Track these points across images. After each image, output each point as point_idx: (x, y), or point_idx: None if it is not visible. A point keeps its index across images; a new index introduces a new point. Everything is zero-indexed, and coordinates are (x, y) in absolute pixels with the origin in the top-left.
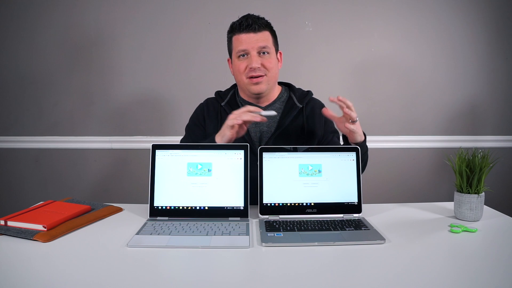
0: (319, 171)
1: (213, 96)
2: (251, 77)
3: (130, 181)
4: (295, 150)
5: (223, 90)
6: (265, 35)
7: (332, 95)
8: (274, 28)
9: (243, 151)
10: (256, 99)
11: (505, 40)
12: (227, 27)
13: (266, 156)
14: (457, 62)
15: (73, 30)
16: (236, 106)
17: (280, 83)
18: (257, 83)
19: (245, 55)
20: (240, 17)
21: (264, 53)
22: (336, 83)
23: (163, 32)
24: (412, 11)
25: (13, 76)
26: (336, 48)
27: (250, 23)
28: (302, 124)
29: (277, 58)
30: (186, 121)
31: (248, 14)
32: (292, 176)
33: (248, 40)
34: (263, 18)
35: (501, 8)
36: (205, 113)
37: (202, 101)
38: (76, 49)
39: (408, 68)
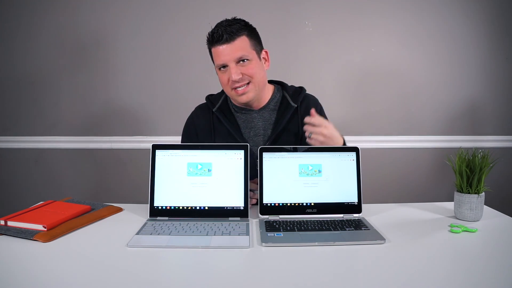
0: (319, 171)
1: (204, 101)
2: (235, 88)
3: (130, 181)
4: (295, 150)
5: (220, 90)
6: (241, 42)
7: (331, 95)
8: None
9: (243, 151)
10: (246, 105)
11: (505, 40)
12: None
13: (266, 156)
14: (457, 62)
15: (72, 30)
16: (228, 111)
17: (271, 82)
18: (243, 94)
19: (225, 67)
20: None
21: (244, 60)
22: (336, 83)
23: (163, 32)
24: (412, 11)
25: (12, 76)
26: (336, 48)
27: (221, 34)
28: (298, 124)
29: (264, 58)
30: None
31: (221, 22)
32: (292, 176)
33: (224, 53)
34: (236, 22)
35: (501, 8)
36: (196, 126)
37: (192, 111)
38: (76, 49)
39: (408, 68)
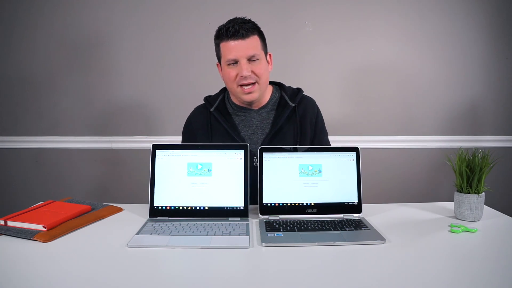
0: (319, 171)
1: (202, 102)
2: (242, 85)
3: (130, 181)
4: (295, 150)
5: (218, 90)
6: (254, 41)
7: (332, 95)
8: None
9: (243, 151)
10: (248, 104)
11: (505, 40)
12: None
13: (266, 156)
14: (457, 62)
15: (73, 30)
16: (226, 111)
17: (270, 83)
18: (249, 93)
19: (235, 63)
20: (226, 21)
21: (254, 59)
22: (336, 83)
23: (163, 32)
24: (412, 11)
25: (13, 76)
26: (336, 48)
27: (237, 29)
28: (296, 124)
29: (267, 60)
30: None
31: (235, 18)
32: (292, 176)
33: (237, 48)
34: (249, 21)
35: (501, 8)
36: (194, 126)
37: (190, 112)
38: (76, 49)
39: (408, 68)
